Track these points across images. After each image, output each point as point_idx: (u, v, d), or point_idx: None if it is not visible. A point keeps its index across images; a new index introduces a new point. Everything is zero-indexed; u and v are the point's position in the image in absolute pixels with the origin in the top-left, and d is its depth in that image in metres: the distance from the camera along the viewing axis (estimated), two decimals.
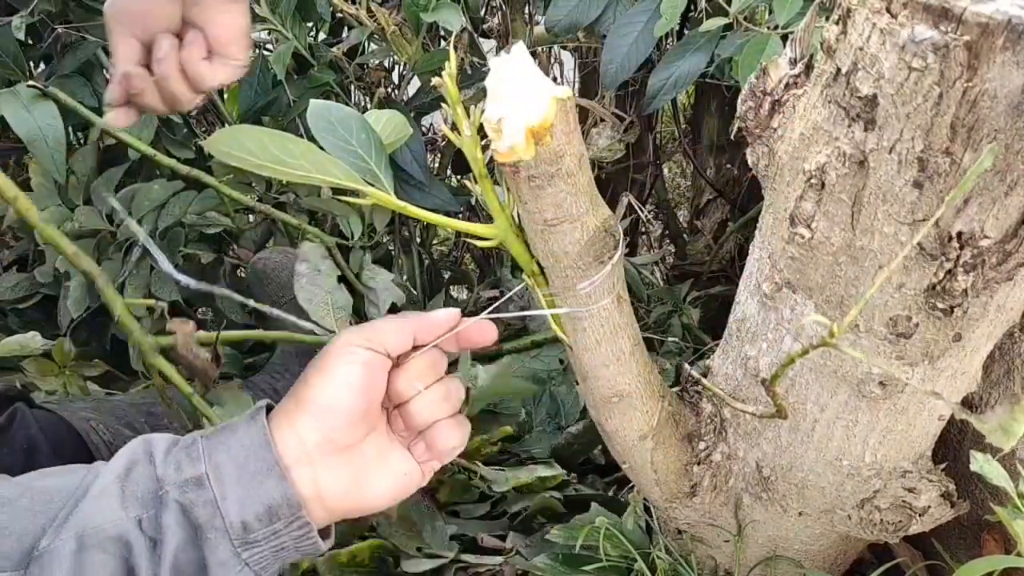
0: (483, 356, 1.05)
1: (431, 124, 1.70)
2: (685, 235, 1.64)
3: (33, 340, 0.91)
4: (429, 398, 0.56)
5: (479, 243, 0.56)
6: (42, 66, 1.18)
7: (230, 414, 0.99)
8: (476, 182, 0.53)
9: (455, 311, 0.57)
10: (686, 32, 1.08)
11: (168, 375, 0.82)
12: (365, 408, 0.54)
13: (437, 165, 1.46)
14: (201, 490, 0.49)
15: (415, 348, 0.56)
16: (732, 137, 1.45)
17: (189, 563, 0.49)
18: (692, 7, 1.10)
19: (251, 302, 0.91)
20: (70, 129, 1.20)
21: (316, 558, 0.80)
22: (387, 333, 0.55)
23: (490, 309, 0.57)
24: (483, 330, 0.57)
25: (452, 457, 0.58)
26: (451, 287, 1.54)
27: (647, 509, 0.83)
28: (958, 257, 0.45)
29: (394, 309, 1.10)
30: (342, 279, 1.17)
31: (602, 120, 1.30)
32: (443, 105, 1.20)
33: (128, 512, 0.49)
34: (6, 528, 0.48)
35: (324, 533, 0.54)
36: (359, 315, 1.17)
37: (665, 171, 1.80)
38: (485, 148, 0.50)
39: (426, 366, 0.56)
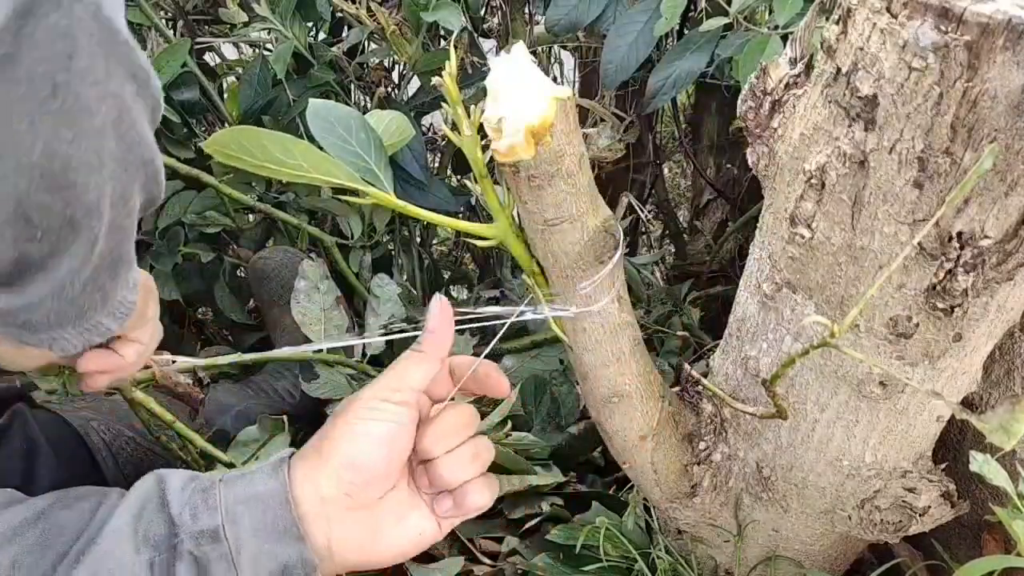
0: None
1: (431, 124, 1.70)
2: (685, 235, 1.64)
3: None
4: (458, 458, 0.54)
5: (479, 243, 0.56)
6: None
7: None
8: (476, 182, 0.53)
9: (443, 299, 0.55)
10: (686, 32, 1.08)
11: (150, 407, 0.82)
12: (389, 466, 0.52)
13: (437, 165, 1.46)
14: (216, 544, 0.48)
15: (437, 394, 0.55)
16: (732, 137, 1.46)
17: None
18: (692, 7, 1.10)
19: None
20: None
21: None
22: (408, 373, 0.53)
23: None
24: (499, 383, 0.56)
25: (475, 512, 0.56)
26: (451, 287, 1.54)
27: (647, 509, 0.83)
28: (958, 257, 0.45)
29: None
30: (341, 280, 1.17)
31: (602, 120, 1.30)
32: (443, 105, 1.20)
33: (141, 556, 0.48)
34: (17, 562, 0.47)
35: None
36: (359, 316, 1.17)
37: (665, 171, 1.80)
38: (485, 148, 0.50)
39: (458, 424, 0.54)
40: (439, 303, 0.54)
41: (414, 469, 0.56)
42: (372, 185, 0.54)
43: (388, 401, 0.52)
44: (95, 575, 0.47)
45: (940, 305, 0.48)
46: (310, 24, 1.23)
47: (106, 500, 0.51)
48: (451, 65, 0.50)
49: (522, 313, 0.56)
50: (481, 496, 0.54)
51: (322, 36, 1.32)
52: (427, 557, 0.87)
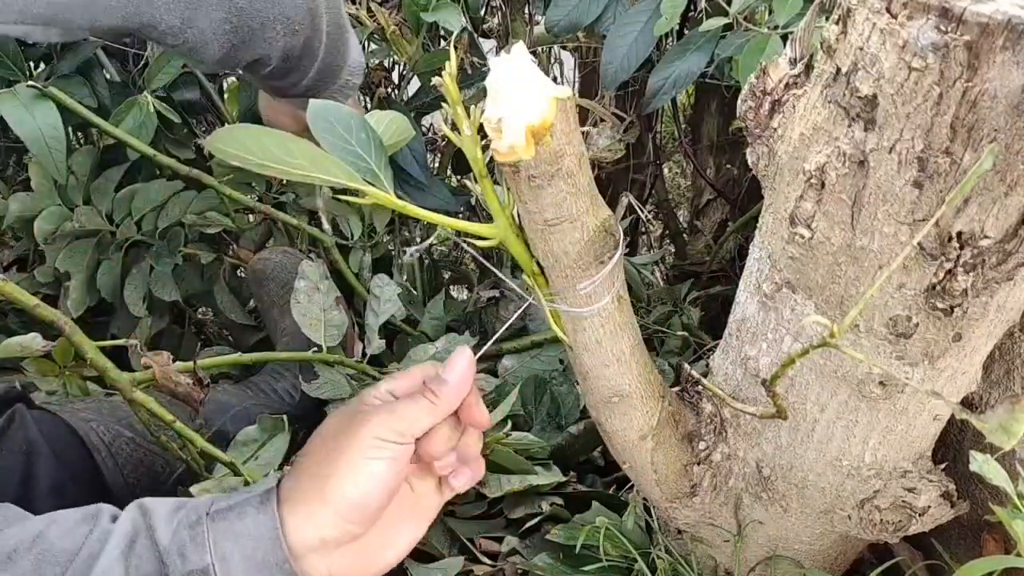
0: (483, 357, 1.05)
1: (431, 124, 1.70)
2: (685, 235, 1.64)
3: (34, 341, 0.91)
4: (450, 459, 0.56)
5: (479, 243, 0.56)
6: (42, 66, 1.18)
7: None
8: (476, 182, 0.53)
9: (469, 355, 0.55)
10: (686, 32, 1.08)
11: (150, 408, 0.82)
12: (387, 499, 0.53)
13: (437, 165, 1.46)
14: None
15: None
16: (732, 137, 1.46)
17: None
18: (692, 7, 1.10)
19: None
20: (70, 129, 1.20)
21: None
22: (416, 421, 0.53)
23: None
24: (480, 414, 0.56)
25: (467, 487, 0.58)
26: (451, 287, 1.54)
27: (647, 509, 0.83)
28: (958, 257, 0.45)
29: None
30: (341, 280, 1.17)
31: (602, 120, 1.30)
32: (443, 105, 1.20)
33: None
34: None
35: None
36: (359, 316, 1.17)
37: (665, 171, 1.80)
38: (485, 148, 0.50)
39: (449, 430, 0.55)
40: (465, 358, 0.54)
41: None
42: (372, 185, 0.54)
43: (392, 442, 0.52)
44: None
45: (940, 305, 0.48)
46: None
47: (97, 525, 0.50)
48: (451, 65, 0.50)
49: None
50: (466, 479, 0.57)
51: None
52: (427, 557, 0.87)
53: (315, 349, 1.01)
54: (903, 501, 0.62)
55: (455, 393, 0.54)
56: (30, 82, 1.04)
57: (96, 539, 0.49)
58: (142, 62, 1.21)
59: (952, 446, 0.66)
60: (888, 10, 0.41)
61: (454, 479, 0.57)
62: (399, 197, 0.54)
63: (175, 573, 0.48)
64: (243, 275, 1.35)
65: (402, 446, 0.52)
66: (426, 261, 1.45)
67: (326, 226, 1.17)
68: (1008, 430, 0.35)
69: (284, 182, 1.23)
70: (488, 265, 0.67)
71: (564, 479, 0.95)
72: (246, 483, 0.82)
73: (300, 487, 0.52)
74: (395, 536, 0.56)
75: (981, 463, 0.50)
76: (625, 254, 0.57)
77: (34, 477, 0.82)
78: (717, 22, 0.91)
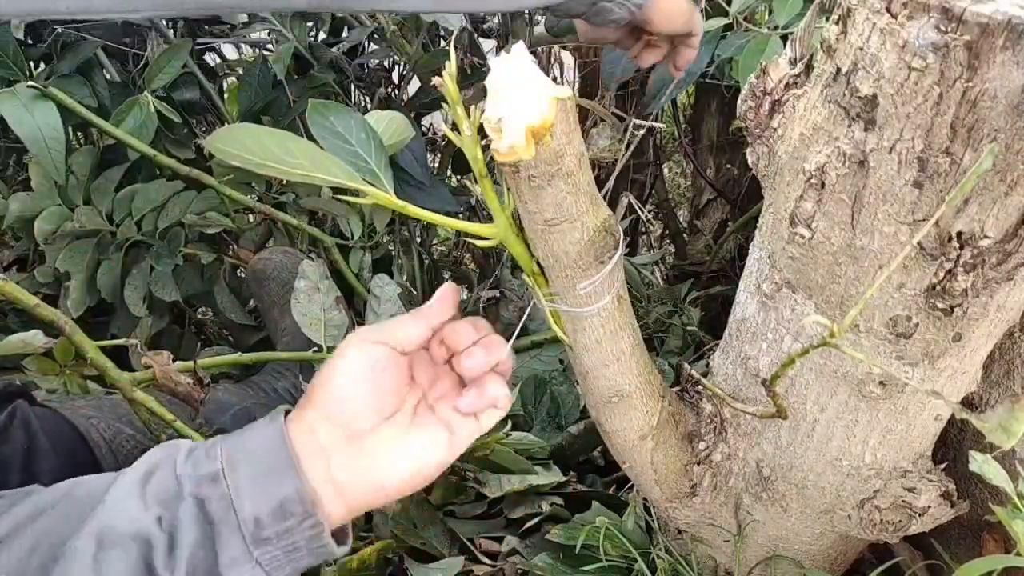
0: None
1: (431, 124, 1.70)
2: (685, 235, 1.64)
3: (36, 338, 0.91)
4: (477, 348, 0.56)
5: (479, 243, 0.56)
6: (42, 66, 1.18)
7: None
8: (476, 182, 0.53)
9: (453, 286, 0.57)
10: None
11: (150, 407, 0.82)
12: (371, 395, 0.54)
13: (437, 165, 1.46)
14: (216, 485, 0.50)
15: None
16: (732, 137, 1.46)
17: (203, 560, 0.49)
18: None
19: None
20: (70, 129, 1.20)
21: (324, 567, 0.80)
22: (396, 327, 0.56)
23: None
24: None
25: (492, 421, 0.58)
26: None
27: (647, 509, 0.83)
28: (958, 257, 0.45)
29: None
30: (341, 280, 1.17)
31: (602, 120, 1.30)
32: (443, 105, 1.20)
33: (148, 512, 0.49)
34: (49, 532, 0.49)
35: (340, 538, 0.54)
36: (359, 316, 1.17)
37: (665, 171, 1.80)
38: (485, 148, 0.50)
39: (475, 324, 0.57)
40: (449, 288, 0.57)
41: (426, 389, 0.58)
42: (372, 185, 0.54)
43: (365, 342, 0.55)
44: (101, 533, 0.48)
45: (940, 305, 0.48)
46: (310, 24, 1.23)
47: (122, 473, 0.53)
48: (451, 65, 0.50)
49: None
50: (499, 386, 0.56)
51: (322, 36, 1.32)
52: (427, 557, 0.87)
53: (315, 349, 1.01)
54: (903, 501, 0.62)
55: (433, 310, 0.57)
56: (30, 82, 1.04)
57: (119, 478, 0.52)
58: (142, 62, 1.21)
59: (952, 446, 0.66)
60: (888, 10, 0.41)
61: (461, 402, 0.57)
62: (399, 197, 0.54)
63: (187, 480, 0.50)
64: (243, 275, 1.35)
65: (376, 346, 0.55)
66: (426, 261, 1.45)
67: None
68: (1008, 429, 0.35)
69: (284, 182, 1.24)
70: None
71: (564, 479, 0.95)
72: None
73: (297, 406, 0.55)
74: (404, 446, 0.55)
75: (981, 463, 0.50)
76: (625, 254, 0.57)
77: (35, 473, 0.82)
78: (717, 22, 0.91)
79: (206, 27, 1.35)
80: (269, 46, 1.31)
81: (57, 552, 0.48)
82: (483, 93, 0.47)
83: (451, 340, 0.57)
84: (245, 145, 0.50)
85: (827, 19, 0.47)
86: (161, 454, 0.53)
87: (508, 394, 0.57)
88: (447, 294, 0.57)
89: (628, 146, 1.23)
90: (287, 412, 0.55)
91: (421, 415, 0.57)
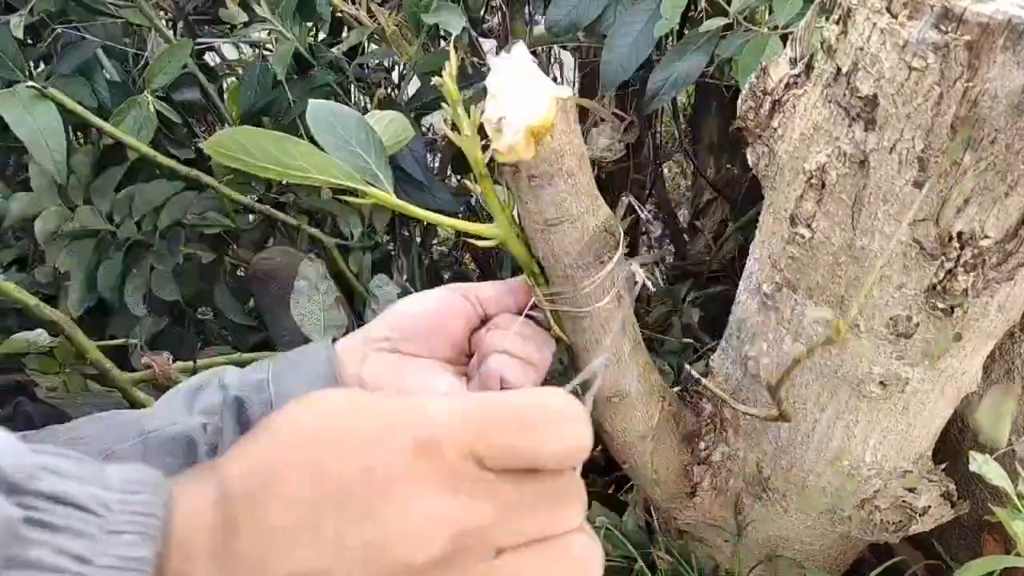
0: None
1: (431, 124, 1.70)
2: (685, 235, 1.64)
3: (40, 337, 0.91)
4: (506, 334, 0.56)
5: (479, 243, 0.56)
6: (42, 66, 1.18)
7: None
8: (476, 182, 0.53)
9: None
10: (686, 32, 1.08)
11: (149, 407, 0.83)
12: (431, 328, 0.55)
13: (437, 165, 1.46)
14: (259, 392, 0.51)
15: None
16: (732, 137, 1.46)
17: None
18: (692, 7, 1.10)
19: None
20: (70, 129, 1.20)
21: None
22: (483, 289, 0.57)
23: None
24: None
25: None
26: None
27: (647, 509, 0.83)
28: (958, 257, 0.45)
29: None
30: (341, 280, 1.17)
31: (602, 120, 1.30)
32: (443, 105, 1.20)
33: (194, 419, 0.51)
34: (95, 441, 0.50)
35: None
36: (359, 316, 1.17)
37: (665, 171, 1.80)
38: (485, 148, 0.50)
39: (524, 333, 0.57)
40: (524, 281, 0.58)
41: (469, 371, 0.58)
42: (372, 185, 0.54)
43: (447, 288, 0.57)
44: (147, 435, 0.49)
45: (940, 305, 0.48)
46: (310, 25, 1.23)
47: (166, 394, 0.55)
48: (451, 65, 0.50)
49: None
50: (507, 368, 0.55)
51: (322, 37, 1.32)
52: None
53: None
54: (903, 501, 0.62)
55: (515, 287, 0.58)
56: (30, 82, 1.04)
57: (164, 396, 0.53)
58: (142, 62, 1.21)
59: (952, 446, 0.66)
60: (888, 10, 0.41)
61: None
62: (399, 197, 0.54)
63: (233, 388, 0.52)
64: (243, 275, 1.35)
65: (453, 292, 0.57)
66: (426, 261, 1.45)
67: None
68: (1001, 419, 0.34)
69: (284, 183, 1.23)
70: None
71: None
72: None
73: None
74: (430, 376, 0.56)
75: (981, 463, 0.50)
76: (625, 254, 0.57)
77: None
78: (717, 22, 0.91)
79: (206, 27, 1.35)
80: (269, 46, 1.31)
81: (105, 456, 0.48)
82: (483, 93, 0.47)
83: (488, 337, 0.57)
84: (244, 148, 0.50)
85: (827, 19, 0.47)
86: (209, 374, 0.54)
87: (520, 373, 0.56)
88: (523, 288, 0.58)
89: (628, 146, 1.23)
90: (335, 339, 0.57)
91: (462, 378, 0.58)
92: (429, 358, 0.56)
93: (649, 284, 0.62)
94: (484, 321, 0.59)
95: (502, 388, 0.56)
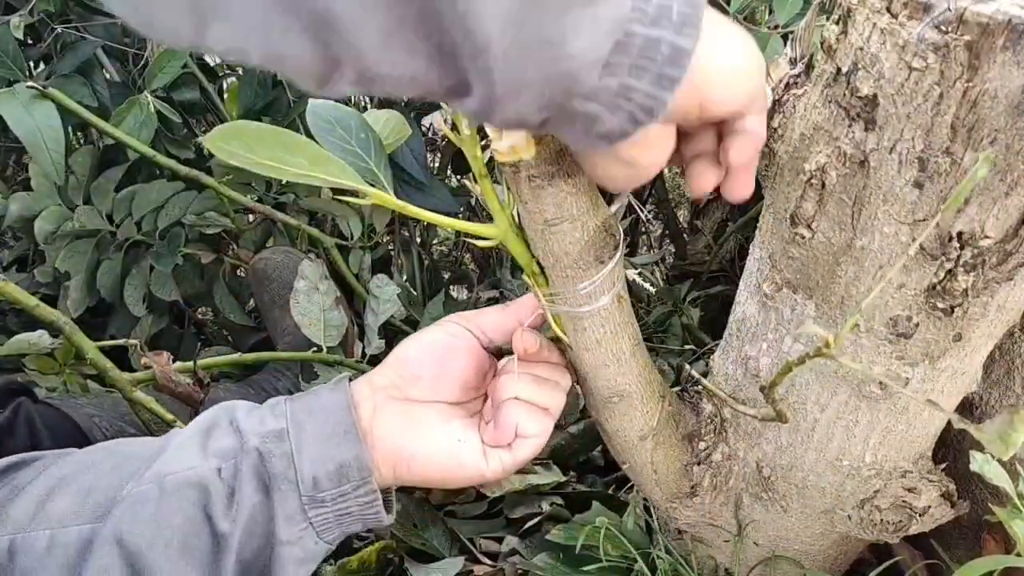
0: None
1: (431, 124, 1.70)
2: (685, 235, 1.64)
3: (42, 338, 0.92)
4: (522, 378, 0.57)
5: (479, 243, 0.56)
6: (41, 66, 1.18)
7: None
8: (476, 182, 0.53)
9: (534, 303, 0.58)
10: None
11: (150, 407, 0.83)
12: (435, 367, 0.56)
13: (437, 165, 1.46)
14: (280, 442, 0.51)
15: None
16: None
17: (260, 513, 0.50)
18: None
19: None
20: (70, 129, 1.20)
21: (325, 566, 0.80)
22: (485, 316, 0.58)
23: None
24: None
25: (525, 453, 0.58)
26: (451, 287, 1.54)
27: (647, 509, 0.83)
28: (958, 257, 0.45)
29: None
30: (341, 280, 1.17)
31: None
32: (443, 105, 1.20)
33: (208, 462, 0.51)
34: (93, 487, 0.50)
35: (386, 508, 0.55)
36: (359, 316, 1.17)
37: (665, 171, 1.80)
38: (485, 148, 0.50)
39: (550, 369, 0.58)
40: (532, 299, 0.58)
41: (482, 410, 0.59)
42: (372, 185, 0.54)
43: (450, 322, 0.57)
44: (163, 480, 0.49)
45: (940, 305, 0.48)
46: None
47: (173, 432, 0.54)
48: None
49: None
50: (513, 414, 0.56)
51: None
52: (427, 557, 0.87)
53: (315, 349, 1.01)
54: (903, 501, 0.62)
55: (522, 307, 0.58)
56: (30, 82, 1.04)
57: (173, 435, 0.53)
58: (142, 62, 1.21)
59: (952, 446, 0.66)
60: (888, 10, 0.41)
61: (484, 434, 0.57)
62: (399, 197, 0.54)
63: (251, 436, 0.51)
64: (243, 275, 1.35)
65: (457, 325, 0.57)
66: (426, 261, 1.45)
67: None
68: (1006, 440, 0.34)
69: (284, 182, 1.24)
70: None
71: (564, 479, 0.95)
72: None
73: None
74: (444, 429, 0.56)
75: (981, 463, 0.50)
76: (625, 254, 0.57)
77: None
78: None
79: None
80: None
81: (114, 497, 0.49)
82: None
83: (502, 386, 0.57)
84: (244, 143, 0.50)
85: (827, 19, 0.47)
86: (221, 412, 0.54)
87: (533, 421, 0.57)
88: (532, 302, 0.58)
89: None
90: (351, 378, 0.57)
91: (474, 419, 0.58)
92: (439, 402, 0.56)
93: (648, 287, 0.62)
94: (492, 351, 0.59)
95: (516, 437, 0.56)
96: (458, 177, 1.47)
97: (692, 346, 1.23)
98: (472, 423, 0.57)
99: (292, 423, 0.52)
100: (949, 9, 0.38)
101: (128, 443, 0.54)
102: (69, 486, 0.50)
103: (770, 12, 0.87)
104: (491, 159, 0.49)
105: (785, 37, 0.84)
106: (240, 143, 0.50)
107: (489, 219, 0.55)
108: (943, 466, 0.62)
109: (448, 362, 0.56)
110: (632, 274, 0.61)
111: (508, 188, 0.52)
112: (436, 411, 0.56)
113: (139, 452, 0.52)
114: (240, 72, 1.35)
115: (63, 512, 0.49)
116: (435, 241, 1.70)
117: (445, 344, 0.56)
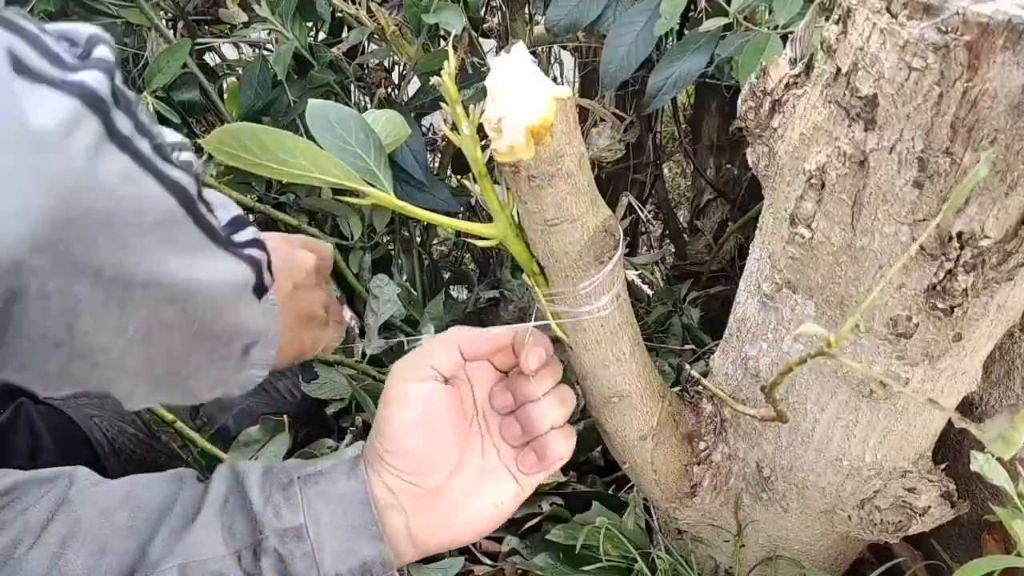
0: None
1: (431, 124, 1.70)
2: (685, 235, 1.64)
3: None
4: (547, 402, 0.56)
5: (479, 243, 0.56)
6: None
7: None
8: (476, 182, 0.53)
9: (511, 333, 0.58)
10: (686, 32, 1.07)
11: (150, 407, 0.83)
12: (436, 449, 0.54)
13: (437, 165, 1.46)
14: (300, 543, 0.50)
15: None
16: (732, 137, 1.46)
17: None
18: (692, 7, 1.10)
19: None
20: None
21: None
22: (433, 356, 0.55)
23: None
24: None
25: (557, 468, 0.58)
26: (451, 287, 1.54)
27: (647, 509, 0.83)
28: (958, 257, 0.45)
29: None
30: (342, 281, 1.17)
31: (602, 120, 1.30)
32: (443, 105, 1.20)
33: (228, 548, 0.50)
34: (107, 544, 0.49)
35: None
36: (359, 316, 1.17)
37: (665, 171, 1.80)
38: (485, 148, 0.50)
39: (548, 372, 0.58)
40: (506, 329, 0.58)
41: (491, 433, 0.58)
42: (372, 185, 0.54)
43: (411, 382, 0.54)
44: (186, 567, 0.49)
45: (940, 305, 0.48)
46: (310, 24, 1.23)
47: (185, 485, 0.53)
48: (451, 65, 0.50)
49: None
50: (563, 445, 0.57)
51: (322, 37, 1.32)
52: (427, 557, 0.87)
53: None
54: (903, 501, 0.62)
55: (488, 342, 0.57)
56: None
57: (189, 496, 0.51)
58: (142, 62, 1.21)
59: (952, 446, 0.66)
60: (888, 10, 0.41)
61: (520, 462, 0.57)
62: (399, 197, 0.54)
63: (269, 531, 0.50)
64: None
65: (422, 383, 0.54)
66: (426, 261, 1.44)
67: None
68: (1007, 440, 0.34)
69: (284, 182, 1.23)
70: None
71: (564, 479, 0.95)
72: None
73: (368, 449, 0.55)
74: (478, 504, 0.56)
75: (981, 463, 0.50)
76: (625, 254, 0.57)
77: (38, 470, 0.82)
78: (717, 22, 0.91)
79: (206, 27, 1.35)
80: (269, 46, 1.31)
81: (134, 565, 0.48)
82: (483, 93, 0.46)
83: (520, 392, 0.57)
84: (244, 144, 0.50)
85: (827, 19, 0.47)
86: (232, 480, 0.52)
87: (572, 447, 0.57)
88: (501, 332, 0.57)
89: (628, 146, 1.23)
90: (358, 455, 0.55)
91: (490, 462, 0.57)
92: (457, 472, 0.55)
93: (647, 288, 0.62)
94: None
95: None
96: (458, 177, 1.47)
97: (692, 346, 1.23)
98: (495, 473, 0.57)
99: (310, 518, 0.51)
100: (958, 13, 0.38)
101: (144, 486, 0.52)
102: (84, 539, 0.49)
103: (770, 12, 0.87)
104: (491, 159, 0.49)
105: (785, 37, 0.84)
106: (240, 144, 0.50)
107: (489, 219, 0.55)
108: (943, 466, 0.62)
109: (435, 432, 0.54)
110: (632, 275, 0.61)
111: (508, 188, 0.52)
112: (463, 485, 0.55)
113: (153, 503, 0.51)
114: (240, 72, 1.35)
115: (79, 570, 0.48)
116: (435, 241, 1.70)
117: (423, 418, 0.54)
